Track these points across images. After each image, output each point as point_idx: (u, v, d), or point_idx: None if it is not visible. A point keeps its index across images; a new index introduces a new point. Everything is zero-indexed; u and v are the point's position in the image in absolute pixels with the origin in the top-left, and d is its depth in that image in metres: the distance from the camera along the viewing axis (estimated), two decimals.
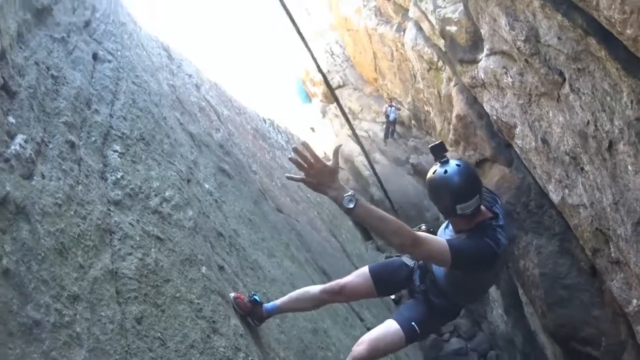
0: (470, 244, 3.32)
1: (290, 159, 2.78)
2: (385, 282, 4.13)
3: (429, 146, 3.53)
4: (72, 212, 2.65)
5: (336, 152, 2.81)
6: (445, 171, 3.41)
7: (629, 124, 3.83)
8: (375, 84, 28.13)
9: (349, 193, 2.79)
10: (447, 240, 3.26)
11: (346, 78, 32.22)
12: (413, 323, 3.77)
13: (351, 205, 2.78)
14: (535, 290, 6.72)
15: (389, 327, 3.77)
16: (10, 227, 2.13)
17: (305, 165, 2.74)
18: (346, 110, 29.20)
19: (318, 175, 2.76)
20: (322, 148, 27.86)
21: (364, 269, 4.19)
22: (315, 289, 4.24)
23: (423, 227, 3.64)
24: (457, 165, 3.42)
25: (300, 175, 2.79)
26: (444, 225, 3.89)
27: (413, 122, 20.78)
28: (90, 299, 2.44)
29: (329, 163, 2.78)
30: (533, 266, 6.64)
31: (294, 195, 10.91)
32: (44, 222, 2.38)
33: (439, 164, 3.47)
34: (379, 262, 4.44)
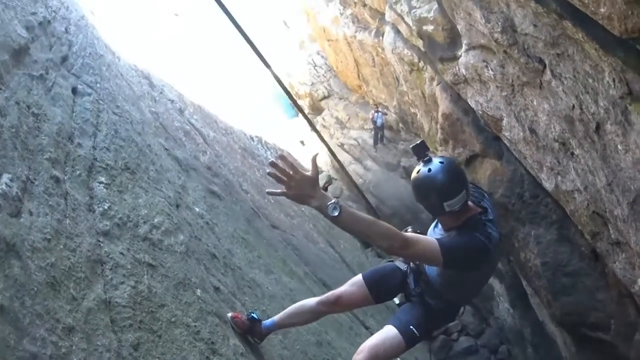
0: (460, 241, 3.28)
1: (268, 174, 2.72)
2: (380, 288, 4.08)
3: (410, 146, 3.49)
4: (61, 246, 2.64)
5: (314, 160, 2.76)
6: (429, 169, 3.36)
7: (614, 103, 3.82)
8: (360, 91, 28.19)
9: (332, 201, 2.73)
10: (437, 239, 3.22)
11: (331, 88, 32.29)
12: (411, 326, 3.72)
13: (336, 213, 2.72)
14: (539, 280, 6.71)
15: (388, 332, 3.72)
16: (1, 264, 2.13)
17: (285, 179, 2.68)
18: (333, 120, 29.34)
19: (298, 186, 2.70)
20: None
21: (358, 277, 4.15)
22: (311, 301, 4.20)
23: (409, 229, 3.60)
24: (440, 162, 3.37)
25: (281, 189, 2.73)
26: (432, 225, 3.85)
27: (401, 125, 20.80)
28: (86, 329, 2.42)
29: (308, 173, 2.73)
30: (534, 257, 6.63)
31: (288, 210, 10.88)
32: (35, 257, 2.38)
33: (422, 163, 3.42)
34: (371, 269, 4.38)
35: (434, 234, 3.69)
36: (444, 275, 3.61)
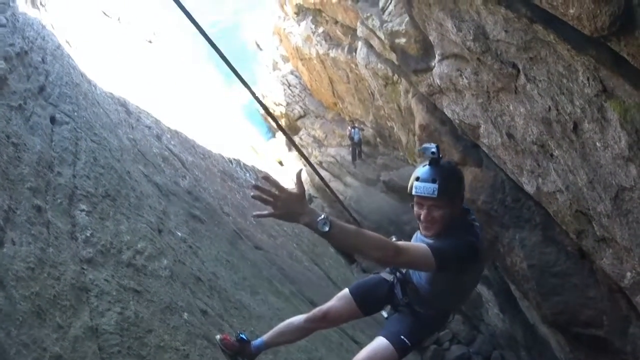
0: (451, 243, 3.28)
1: (252, 197, 2.68)
2: (368, 300, 4.06)
3: (430, 148, 3.46)
4: (45, 275, 2.62)
5: (299, 176, 2.73)
6: (449, 162, 3.67)
7: (590, 102, 3.86)
8: (335, 109, 28.31)
9: (322, 217, 2.69)
10: (428, 244, 3.22)
11: (306, 107, 32.41)
12: (402, 336, 3.70)
13: (326, 229, 2.68)
14: (527, 283, 6.71)
15: (379, 344, 3.69)
16: None
17: (271, 199, 2.64)
18: (311, 139, 29.39)
19: (286, 205, 2.65)
20: (293, 180, 27.87)
21: (345, 292, 4.13)
22: (299, 319, 4.17)
23: (393, 238, 3.58)
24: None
25: (268, 210, 2.69)
26: (415, 235, 3.84)
27: (378, 139, 20.89)
28: (73, 358, 2.39)
29: (294, 190, 2.70)
30: (520, 260, 6.63)
31: (270, 231, 10.86)
32: (19, 287, 2.36)
33: (438, 160, 3.48)
34: (357, 282, 4.36)
35: (417, 242, 3.68)
36: (432, 282, 3.60)
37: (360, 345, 7.25)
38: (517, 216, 6.61)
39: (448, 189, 3.40)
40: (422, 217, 3.48)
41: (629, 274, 4.65)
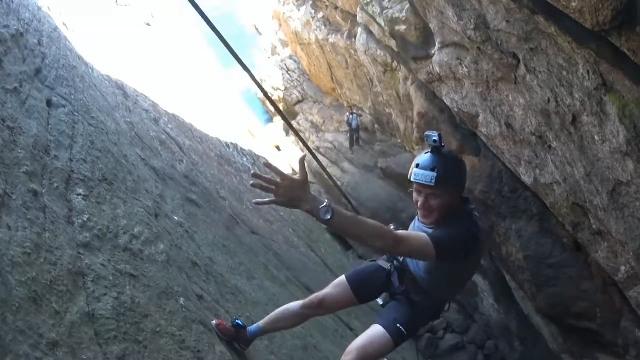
0: (451, 232, 3.28)
1: (253, 186, 2.67)
2: (364, 288, 4.06)
3: (433, 136, 3.45)
4: (42, 260, 2.60)
5: (302, 162, 2.73)
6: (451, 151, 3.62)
7: (589, 95, 3.85)
8: (334, 94, 28.25)
9: (324, 204, 2.69)
10: (428, 234, 3.23)
11: (304, 92, 32.35)
12: (398, 325, 3.71)
13: (328, 217, 2.69)
14: (522, 274, 6.74)
15: (375, 332, 3.70)
16: None
17: (272, 187, 2.64)
18: (309, 125, 29.35)
19: (288, 192, 2.65)
20: (290, 165, 27.88)
21: (341, 279, 4.12)
22: (295, 305, 4.17)
23: (392, 226, 3.57)
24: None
25: (269, 197, 2.68)
26: (413, 223, 3.84)
27: (376, 126, 20.86)
28: (70, 343, 2.38)
29: (297, 176, 2.70)
30: (516, 250, 6.66)
31: (267, 216, 10.85)
32: (15, 272, 2.33)
33: (439, 148, 3.47)
34: (354, 269, 4.36)
35: (417, 231, 3.69)
36: (430, 271, 3.60)
37: (355, 332, 7.29)
38: (514, 207, 6.63)
39: (447, 178, 3.37)
40: (419, 204, 3.47)
41: (623, 267, 4.67)
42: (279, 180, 2.64)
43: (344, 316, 7.68)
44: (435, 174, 3.33)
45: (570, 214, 5.26)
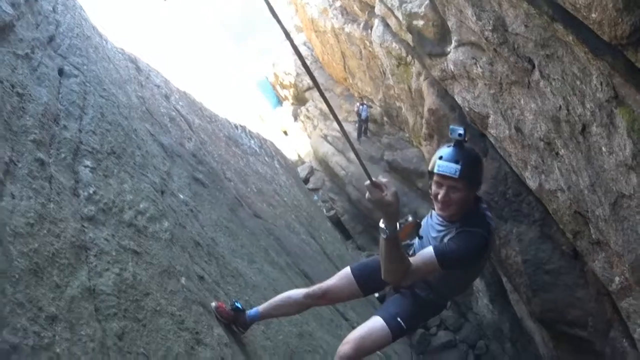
0: (460, 244, 3.37)
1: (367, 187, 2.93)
2: (369, 281, 4.08)
3: (458, 130, 3.51)
4: (45, 231, 2.57)
5: (388, 183, 2.98)
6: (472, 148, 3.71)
7: (600, 106, 3.85)
8: (345, 84, 28.20)
9: (401, 221, 3.07)
10: (434, 247, 3.34)
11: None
12: (399, 319, 3.74)
13: (384, 236, 3.03)
14: (519, 277, 6.75)
15: (374, 323, 3.74)
16: None
17: (382, 191, 2.90)
18: (317, 112, 29.32)
19: (393, 196, 2.91)
20: (296, 150, 27.88)
21: (346, 270, 4.16)
22: (298, 293, 4.20)
23: (410, 218, 3.61)
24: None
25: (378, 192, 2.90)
26: (427, 217, 3.87)
27: (385, 119, 20.81)
28: (69, 318, 2.36)
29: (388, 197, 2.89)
30: (515, 254, 6.67)
31: (271, 200, 10.87)
32: (17, 242, 2.30)
33: (463, 142, 3.55)
34: (360, 262, 4.41)
35: (429, 229, 3.72)
36: (440, 273, 3.63)
37: (350, 323, 7.34)
38: (517, 210, 6.62)
39: (469, 171, 3.45)
40: (439, 196, 3.52)
41: (617, 278, 4.69)
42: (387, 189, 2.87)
43: (340, 306, 7.72)
44: (459, 167, 3.40)
45: (571, 222, 5.27)
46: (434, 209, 3.75)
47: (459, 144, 3.50)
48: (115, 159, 3.97)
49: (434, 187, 3.58)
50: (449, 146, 3.54)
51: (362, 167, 2.83)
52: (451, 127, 3.56)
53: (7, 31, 3.48)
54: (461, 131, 3.47)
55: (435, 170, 3.50)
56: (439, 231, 3.62)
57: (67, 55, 4.51)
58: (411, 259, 3.28)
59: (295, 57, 33.79)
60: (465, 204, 3.50)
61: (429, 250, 3.35)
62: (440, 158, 3.48)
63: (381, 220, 3.01)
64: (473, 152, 3.65)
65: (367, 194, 2.86)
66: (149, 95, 7.51)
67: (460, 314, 13.37)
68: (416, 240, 3.85)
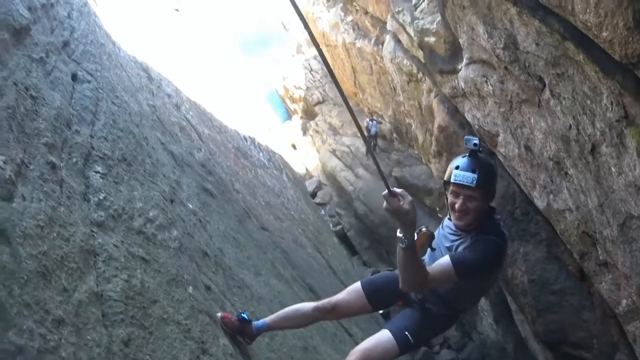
0: (477, 253, 3.38)
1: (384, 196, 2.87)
2: (379, 296, 4.09)
3: (474, 141, 3.54)
4: (54, 234, 2.57)
5: (404, 193, 2.91)
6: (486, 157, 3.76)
7: (610, 126, 3.85)
8: (355, 99, 28.21)
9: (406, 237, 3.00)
10: (451, 256, 3.36)
11: (325, 94, 32.37)
12: (407, 333, 3.74)
13: (402, 245, 3.02)
14: (525, 297, 6.73)
15: (382, 336, 3.75)
16: None
17: (399, 201, 2.84)
18: (326, 127, 29.35)
19: (410, 205, 2.87)
20: (304, 164, 27.89)
21: (356, 285, 4.15)
22: (307, 306, 4.21)
23: (424, 229, 3.62)
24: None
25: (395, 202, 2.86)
26: (438, 231, 3.87)
27: (395, 135, 20.82)
28: (76, 322, 2.36)
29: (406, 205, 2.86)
30: (521, 274, 6.65)
31: (278, 213, 10.87)
32: (26, 244, 2.29)
33: (478, 152, 3.57)
34: (370, 277, 4.41)
35: (441, 239, 3.72)
36: (454, 284, 3.62)
37: (354, 338, 7.31)
38: (524, 229, 6.62)
39: (485, 181, 3.47)
40: (456, 206, 3.53)
41: (624, 301, 4.67)
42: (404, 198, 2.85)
43: (344, 321, 7.70)
44: (476, 176, 3.43)
45: (579, 243, 5.26)
46: (448, 219, 3.77)
47: (474, 154, 3.52)
48: (125, 166, 3.98)
49: (450, 197, 3.60)
50: (464, 156, 3.56)
51: (381, 176, 2.82)
52: (466, 137, 3.60)
53: (24, 34, 3.49)
54: (476, 141, 3.50)
55: (452, 180, 3.52)
56: (453, 240, 3.63)
57: (80, 61, 4.53)
58: (428, 268, 3.29)
59: (307, 70, 33.95)
60: (481, 213, 3.51)
61: (445, 259, 3.36)
62: (457, 168, 3.51)
63: (398, 230, 3.00)
64: (488, 162, 3.69)
65: (384, 204, 2.82)
66: (160, 104, 7.55)
67: (464, 333, 13.30)
68: (427, 254, 3.84)
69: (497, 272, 3.97)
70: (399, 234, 3.00)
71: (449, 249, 3.60)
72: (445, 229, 3.75)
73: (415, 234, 3.12)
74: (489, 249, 3.39)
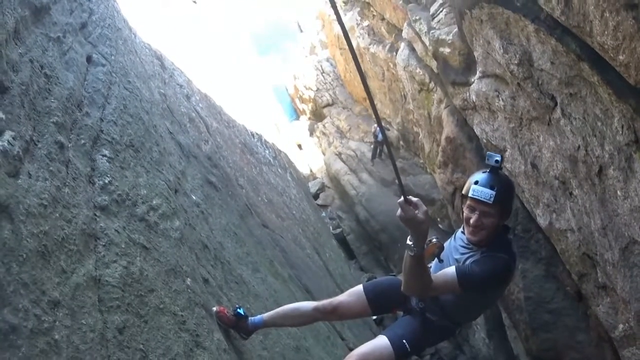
0: (485, 268, 3.39)
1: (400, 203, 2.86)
2: (380, 301, 4.09)
3: (495, 158, 3.56)
4: (57, 215, 2.55)
5: (417, 201, 2.92)
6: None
7: (619, 150, 3.85)
8: (364, 104, 28.24)
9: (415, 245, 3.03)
10: (457, 268, 3.39)
11: (335, 96, 32.36)
12: (404, 340, 3.73)
13: (411, 253, 3.05)
14: (520, 314, 6.71)
15: (379, 342, 3.74)
16: None
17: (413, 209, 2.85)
18: (333, 129, 29.34)
19: (425, 215, 2.89)
20: (309, 164, 27.89)
21: (358, 288, 4.15)
22: (307, 306, 4.22)
23: (434, 239, 3.62)
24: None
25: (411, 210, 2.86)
26: (449, 242, 3.86)
27: (401, 142, 20.82)
28: (72, 305, 2.35)
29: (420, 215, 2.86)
30: (518, 290, 6.64)
31: (280, 212, 10.87)
32: (28, 222, 2.28)
33: (498, 169, 3.59)
34: (373, 281, 4.41)
35: (452, 250, 3.72)
36: (457, 296, 3.61)
37: (346, 342, 7.31)
38: (524, 246, 6.61)
39: (503, 198, 3.48)
40: (472, 221, 3.54)
41: (621, 326, 4.65)
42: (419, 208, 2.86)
43: (337, 324, 7.69)
44: (494, 192, 3.44)
45: (578, 263, 5.25)
46: (461, 232, 3.78)
47: (494, 171, 3.53)
48: (133, 152, 3.97)
49: (466, 211, 3.61)
50: (484, 172, 3.57)
51: (399, 183, 2.81)
52: (488, 153, 3.62)
53: (43, 13, 3.49)
54: (498, 158, 3.51)
55: (470, 195, 3.52)
56: (463, 254, 3.63)
57: (96, 43, 4.53)
58: (432, 276, 3.30)
59: (319, 72, 33.97)
60: (495, 230, 3.51)
61: (451, 270, 3.37)
62: (476, 183, 3.51)
63: (409, 237, 3.01)
64: (507, 180, 3.70)
65: (399, 211, 2.82)
66: (171, 93, 7.55)
67: (455, 344, 13.26)
68: (434, 263, 3.84)
69: (502, 290, 3.96)
70: (409, 242, 3.01)
71: (457, 260, 3.60)
72: (457, 241, 3.75)
73: (425, 244, 3.10)
74: (497, 265, 3.39)
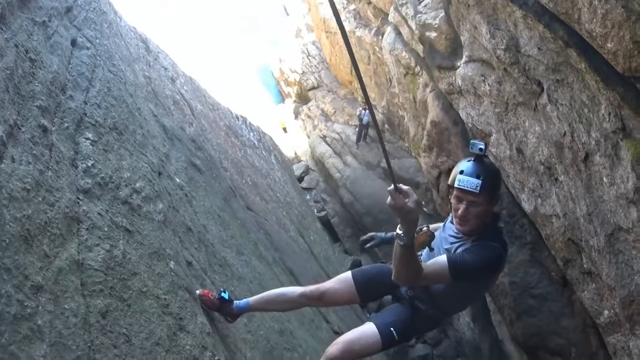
0: (476, 257, 3.37)
1: (390, 191, 2.80)
2: (369, 288, 4.08)
3: (479, 145, 3.51)
4: (40, 199, 2.55)
5: (410, 190, 2.86)
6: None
7: (606, 137, 3.84)
8: (350, 87, 28.24)
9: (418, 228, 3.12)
10: (448, 257, 3.36)
11: (321, 80, 32.34)
12: (392, 329, 3.73)
13: (401, 243, 2.99)
14: (504, 298, 6.74)
15: (367, 330, 3.74)
16: None
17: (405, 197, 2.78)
18: (318, 112, 29.32)
19: (417, 205, 2.83)
20: (294, 147, 27.87)
21: (347, 275, 4.14)
22: (293, 291, 4.20)
23: (425, 228, 3.60)
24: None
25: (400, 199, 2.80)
26: (439, 232, 3.85)
27: (386, 126, 20.83)
28: (54, 290, 2.34)
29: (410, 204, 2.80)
30: (503, 275, 6.66)
31: (264, 194, 10.85)
32: (11, 207, 2.28)
33: (483, 157, 3.56)
34: (362, 268, 4.40)
35: (442, 240, 3.71)
36: (450, 286, 3.60)
37: (331, 326, 7.32)
38: (509, 232, 6.62)
39: (490, 187, 3.45)
40: (460, 211, 3.51)
41: (606, 312, 4.67)
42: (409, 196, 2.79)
43: (322, 308, 7.71)
44: (480, 182, 3.41)
45: (563, 249, 5.26)
46: (450, 222, 3.77)
47: (479, 159, 3.51)
48: (116, 135, 3.94)
49: (453, 202, 3.58)
50: (469, 160, 3.54)
51: (390, 171, 2.76)
52: (472, 141, 3.57)
53: None
54: (482, 145, 3.48)
55: (456, 185, 3.49)
56: (452, 243, 3.62)
57: (81, 27, 4.51)
58: (423, 265, 3.28)
59: (304, 55, 33.90)
60: (483, 219, 3.50)
61: (442, 258, 3.35)
62: (461, 172, 3.48)
63: (398, 227, 2.96)
64: (493, 167, 3.68)
65: (389, 199, 2.77)
66: (155, 76, 7.49)
67: (440, 329, 13.35)
68: (424, 252, 3.82)
69: (493, 280, 3.95)
70: (398, 231, 2.97)
71: (447, 250, 3.58)
72: (447, 231, 3.74)
73: (415, 233, 3.07)
74: (489, 254, 3.37)
